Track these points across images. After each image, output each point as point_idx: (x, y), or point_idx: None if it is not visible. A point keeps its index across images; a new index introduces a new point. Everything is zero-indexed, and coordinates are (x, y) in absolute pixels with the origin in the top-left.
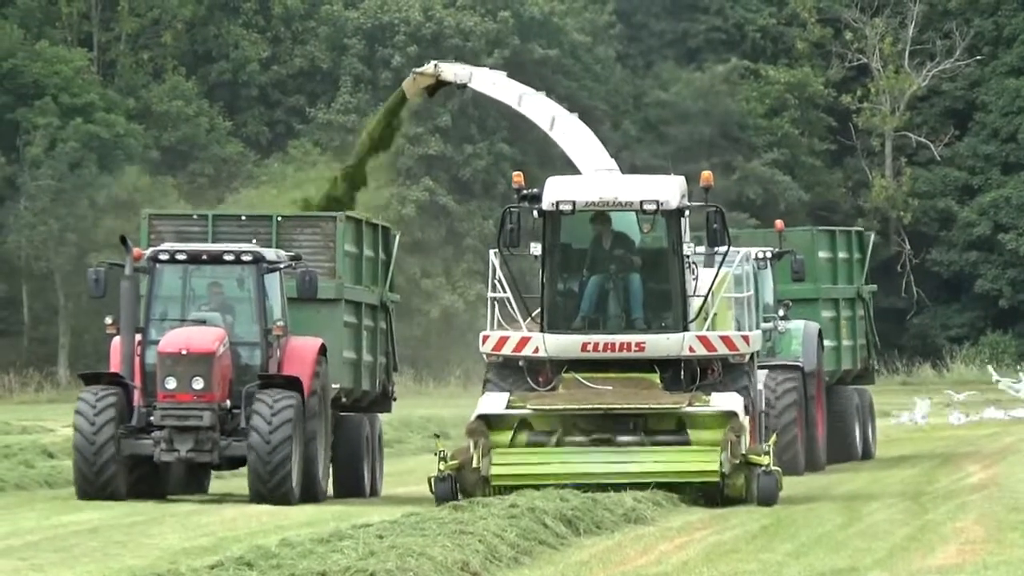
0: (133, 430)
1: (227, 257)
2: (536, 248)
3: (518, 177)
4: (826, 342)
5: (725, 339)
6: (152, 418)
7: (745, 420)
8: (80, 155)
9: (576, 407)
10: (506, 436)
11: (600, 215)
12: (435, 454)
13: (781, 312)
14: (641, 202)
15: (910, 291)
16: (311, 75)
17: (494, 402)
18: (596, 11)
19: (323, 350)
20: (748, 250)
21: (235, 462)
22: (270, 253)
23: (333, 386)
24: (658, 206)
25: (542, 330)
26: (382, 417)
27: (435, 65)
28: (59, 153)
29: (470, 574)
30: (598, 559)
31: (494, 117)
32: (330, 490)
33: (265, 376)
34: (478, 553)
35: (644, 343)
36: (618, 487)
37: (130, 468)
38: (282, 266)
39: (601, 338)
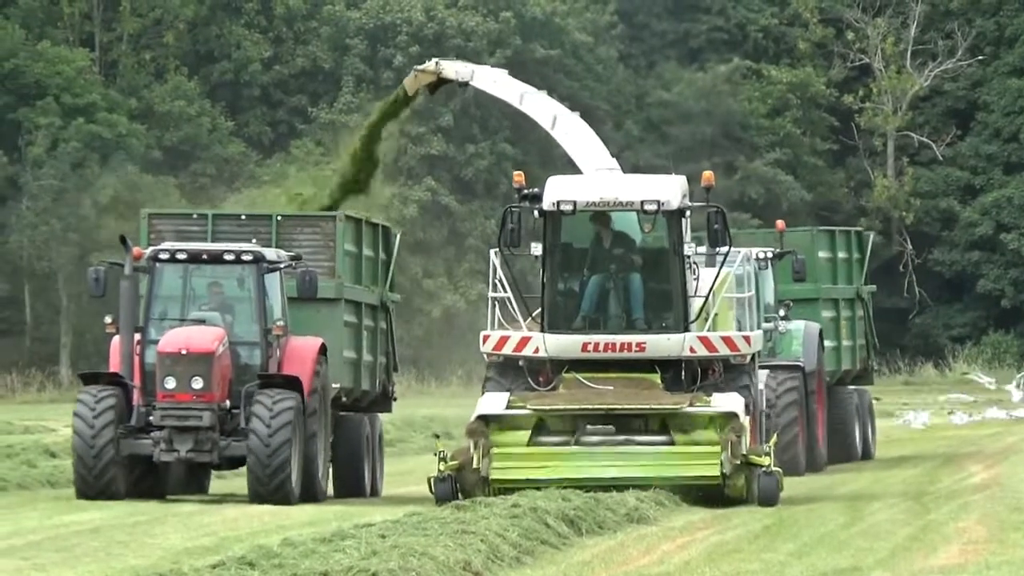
0: (132, 430)
1: (227, 257)
2: (537, 248)
3: (519, 177)
4: (826, 342)
5: (726, 339)
6: (151, 418)
7: (746, 420)
8: (82, 155)
9: (577, 407)
10: (507, 437)
11: (601, 215)
12: (435, 454)
13: (782, 312)
14: (642, 202)
15: (912, 291)
16: (313, 75)
17: (494, 402)
18: (598, 11)
19: (323, 350)
20: (749, 250)
21: (235, 462)
22: (270, 253)
23: (333, 386)
24: (659, 206)
25: (542, 330)
26: (384, 417)
27: (436, 63)
28: (61, 153)
29: (472, 574)
30: (600, 559)
31: (496, 117)
32: (330, 490)
33: (265, 376)
34: (480, 553)
35: (645, 343)
36: (621, 488)
37: (129, 468)
38: (282, 266)
39: (602, 338)
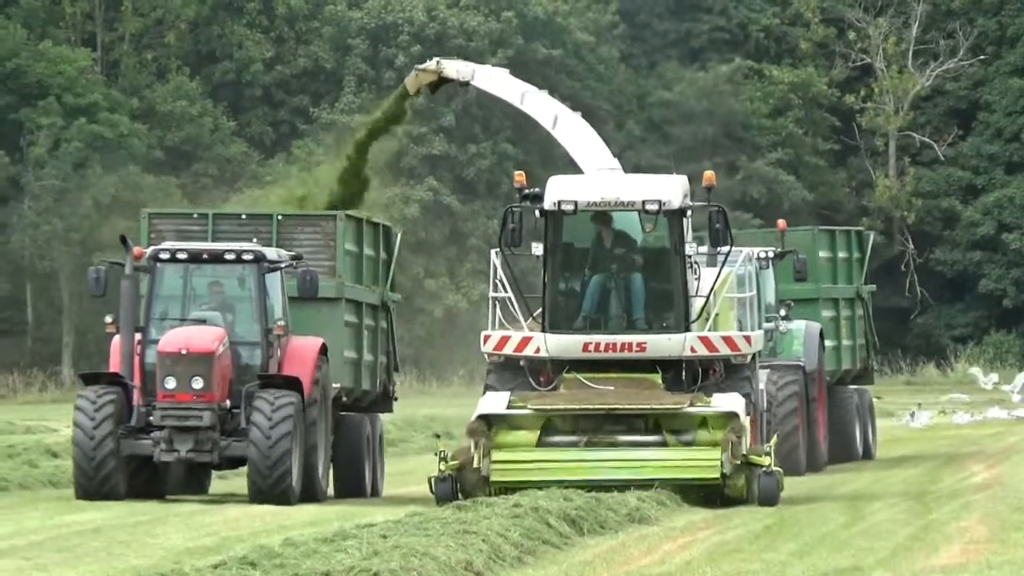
0: (133, 430)
1: (228, 256)
2: (538, 248)
3: (520, 176)
4: (826, 342)
5: (727, 339)
6: (152, 418)
7: (746, 420)
8: (84, 155)
9: (577, 407)
10: (508, 437)
11: (602, 215)
12: (436, 454)
13: (783, 312)
14: (643, 202)
15: (914, 291)
16: (315, 75)
17: (495, 402)
18: (599, 11)
19: (324, 350)
20: (750, 250)
21: (235, 462)
22: (271, 252)
23: (334, 386)
24: (660, 206)
25: (543, 330)
26: (385, 417)
27: (438, 62)
28: (63, 153)
29: (474, 574)
30: (602, 559)
31: (498, 117)
32: (331, 490)
33: (265, 376)
34: (482, 553)
35: (645, 343)
36: (621, 487)
37: (130, 468)
38: (283, 265)
39: (602, 338)
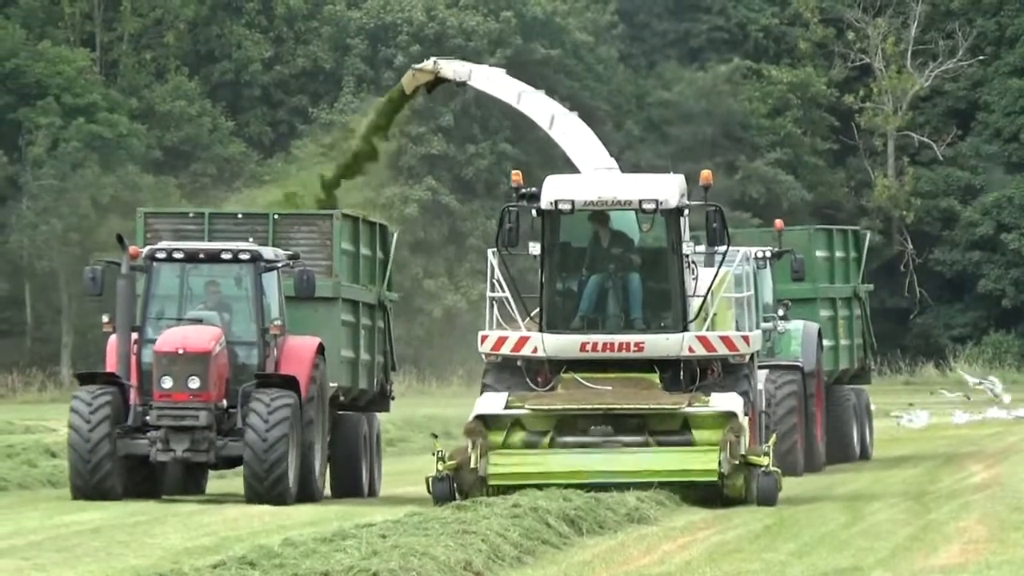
0: (129, 430)
1: (225, 256)
2: (535, 247)
3: (517, 176)
4: (824, 342)
5: (725, 339)
6: (148, 418)
7: (744, 420)
8: (82, 155)
9: (575, 407)
10: (509, 437)
11: (599, 214)
12: (433, 454)
13: (781, 312)
14: (640, 201)
15: (913, 291)
16: (314, 75)
17: (492, 402)
18: (598, 11)
19: (321, 349)
20: (748, 249)
21: (232, 462)
22: (268, 252)
23: (331, 385)
24: (657, 205)
25: (541, 330)
26: (385, 416)
27: (434, 62)
28: (61, 153)
29: (473, 574)
30: (601, 559)
31: (496, 117)
32: (328, 490)
33: (262, 375)
34: (481, 553)
35: (643, 343)
36: (620, 487)
37: (126, 468)
38: (280, 265)
39: (600, 338)
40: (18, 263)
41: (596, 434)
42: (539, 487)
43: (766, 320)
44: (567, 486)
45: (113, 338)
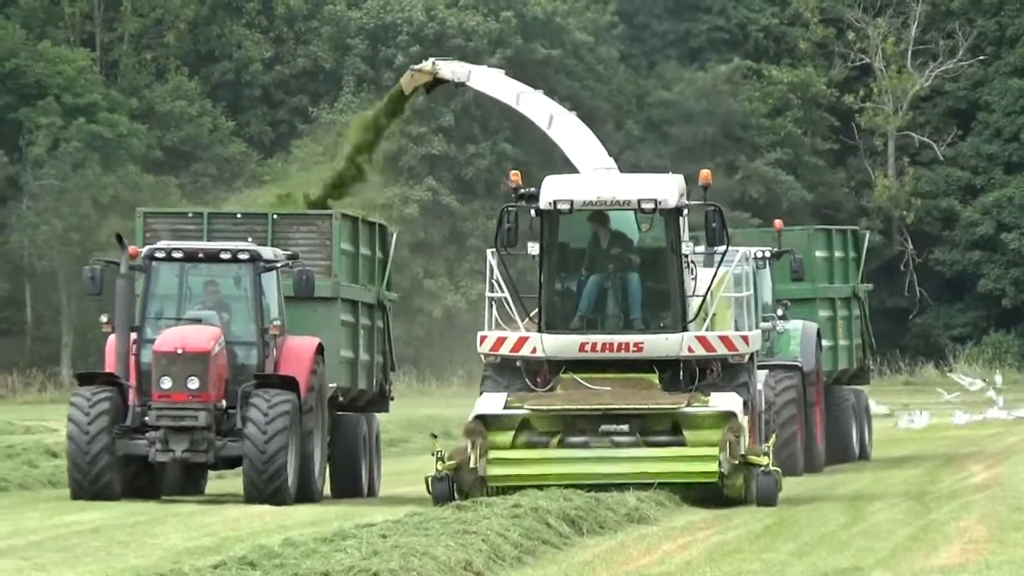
0: (128, 430)
1: (224, 256)
2: (534, 248)
3: (515, 176)
4: (823, 342)
5: (724, 339)
6: (147, 418)
7: (744, 420)
8: (83, 155)
9: (574, 408)
10: (505, 437)
11: (598, 214)
12: (432, 454)
13: (780, 312)
14: (639, 201)
15: (913, 291)
16: (314, 75)
17: (491, 402)
18: (598, 11)
19: (320, 349)
20: (747, 249)
21: (231, 462)
22: (267, 252)
23: (330, 385)
24: (656, 205)
25: (540, 330)
26: (386, 417)
27: (433, 63)
28: (62, 153)
29: (473, 574)
30: (601, 559)
31: (497, 117)
32: (327, 490)
33: (261, 375)
34: (481, 553)
35: (642, 343)
36: (620, 487)
37: (125, 468)
38: (279, 265)
39: (599, 338)
40: (18, 263)
41: (595, 434)
42: (537, 487)
43: (765, 320)
44: (566, 486)
45: (112, 338)
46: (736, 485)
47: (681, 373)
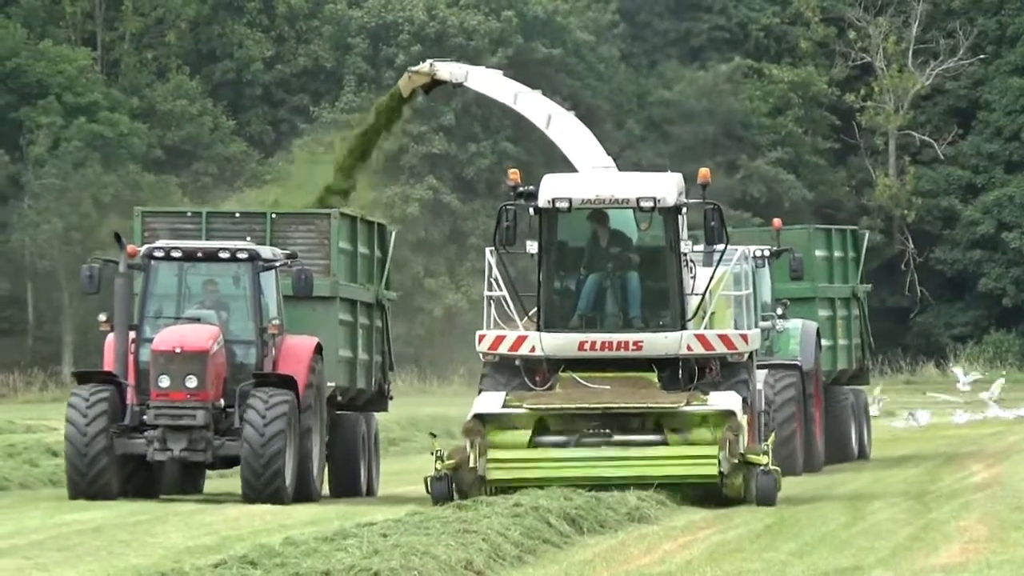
0: (126, 429)
1: (222, 255)
2: (533, 246)
3: (514, 174)
4: (822, 341)
5: (723, 338)
6: (145, 417)
7: (743, 419)
8: (84, 154)
9: (573, 407)
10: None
11: (597, 213)
12: (432, 453)
13: (779, 311)
14: (638, 199)
15: (914, 290)
16: (315, 74)
17: (490, 402)
18: (599, 10)
19: (319, 349)
20: (746, 248)
21: (229, 461)
22: (266, 251)
23: (329, 385)
24: (655, 203)
25: (539, 329)
26: (387, 416)
27: (431, 64)
28: (63, 152)
29: (474, 573)
30: (602, 558)
31: (497, 116)
32: (326, 489)
33: (260, 375)
34: (482, 552)
35: (642, 342)
36: (620, 487)
37: (123, 467)
38: (277, 264)
39: (598, 337)
40: (20, 262)
41: (595, 433)
42: (537, 486)
43: (764, 319)
44: (565, 485)
45: (110, 337)
46: (735, 484)
47: (680, 372)
